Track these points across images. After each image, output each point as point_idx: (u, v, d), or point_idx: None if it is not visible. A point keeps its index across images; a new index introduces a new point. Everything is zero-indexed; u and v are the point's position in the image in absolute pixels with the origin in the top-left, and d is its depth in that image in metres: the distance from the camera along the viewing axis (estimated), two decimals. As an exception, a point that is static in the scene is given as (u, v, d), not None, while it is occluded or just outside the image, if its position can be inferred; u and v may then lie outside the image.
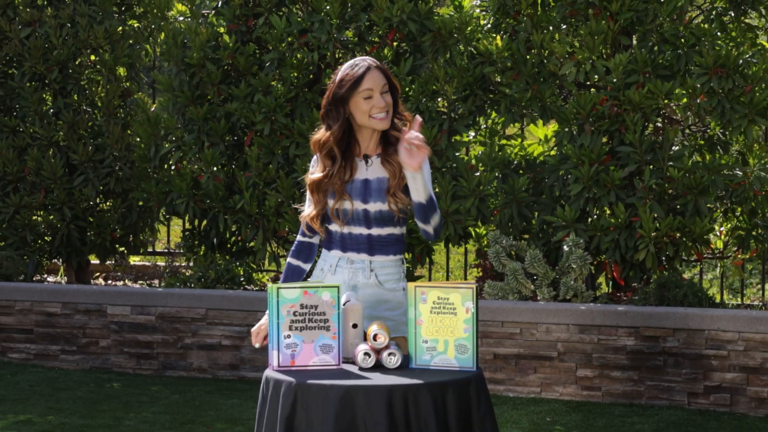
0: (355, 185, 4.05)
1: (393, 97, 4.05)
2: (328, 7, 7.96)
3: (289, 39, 8.05)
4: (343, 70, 4.05)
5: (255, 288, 8.18)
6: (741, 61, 7.31)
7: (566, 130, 7.55)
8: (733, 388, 6.64)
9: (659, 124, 7.78)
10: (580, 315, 6.89)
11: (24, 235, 8.69)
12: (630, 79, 7.34)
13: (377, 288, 4.09)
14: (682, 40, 7.44)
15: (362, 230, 4.07)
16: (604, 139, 7.62)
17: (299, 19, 8.05)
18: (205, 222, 8.43)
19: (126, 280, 9.13)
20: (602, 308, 6.88)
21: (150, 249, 9.81)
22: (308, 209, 4.11)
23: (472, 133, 8.15)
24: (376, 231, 4.07)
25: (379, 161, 4.06)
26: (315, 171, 4.09)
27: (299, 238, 4.18)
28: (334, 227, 4.11)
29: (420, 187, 3.95)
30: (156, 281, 9.00)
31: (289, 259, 4.18)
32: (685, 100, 7.47)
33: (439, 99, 7.92)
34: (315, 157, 4.14)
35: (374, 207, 4.04)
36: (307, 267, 4.18)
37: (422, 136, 3.91)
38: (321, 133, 4.07)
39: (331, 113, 4.05)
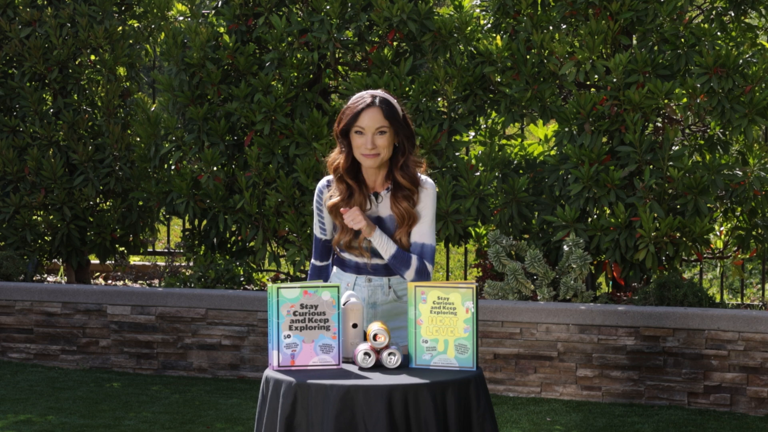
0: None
1: (401, 140, 4.04)
2: (328, 7, 7.96)
3: (289, 39, 8.05)
4: (353, 99, 4.07)
5: (255, 288, 8.18)
6: (741, 61, 7.31)
7: (566, 130, 7.55)
8: (733, 388, 6.64)
9: (659, 124, 7.78)
10: (580, 315, 6.89)
11: (24, 235, 8.69)
12: (630, 79, 7.34)
13: (396, 302, 4.14)
14: (682, 40, 7.44)
15: (380, 261, 4.13)
16: (604, 139, 7.62)
17: (299, 19, 8.05)
18: (205, 222, 8.43)
19: (126, 280, 9.13)
20: (602, 308, 6.88)
21: (150, 249, 9.80)
22: (323, 231, 4.15)
23: (472, 133, 8.15)
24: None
25: (389, 197, 4.08)
26: (330, 194, 4.13)
27: (315, 262, 4.21)
28: (348, 255, 4.13)
29: (378, 247, 4.04)
30: (156, 281, 9.00)
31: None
32: (685, 100, 7.47)
33: (439, 99, 7.92)
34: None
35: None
36: None
37: (353, 214, 3.99)
38: (334, 156, 4.11)
39: (339, 140, 4.08)
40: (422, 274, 4.06)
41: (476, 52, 7.82)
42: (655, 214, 7.28)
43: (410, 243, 4.07)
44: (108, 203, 9.01)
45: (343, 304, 3.92)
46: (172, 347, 7.62)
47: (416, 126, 7.82)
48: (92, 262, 9.42)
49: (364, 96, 4.03)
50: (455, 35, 7.91)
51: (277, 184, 7.94)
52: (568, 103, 7.70)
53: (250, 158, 7.96)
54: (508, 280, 7.28)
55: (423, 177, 4.09)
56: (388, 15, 7.82)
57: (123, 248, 9.09)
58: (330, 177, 4.14)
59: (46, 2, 8.97)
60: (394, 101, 4.05)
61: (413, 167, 4.06)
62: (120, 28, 8.87)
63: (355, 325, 3.92)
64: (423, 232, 4.07)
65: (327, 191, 4.12)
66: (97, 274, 9.54)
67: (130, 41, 8.93)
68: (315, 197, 4.17)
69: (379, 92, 4.05)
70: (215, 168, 8.12)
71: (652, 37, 7.56)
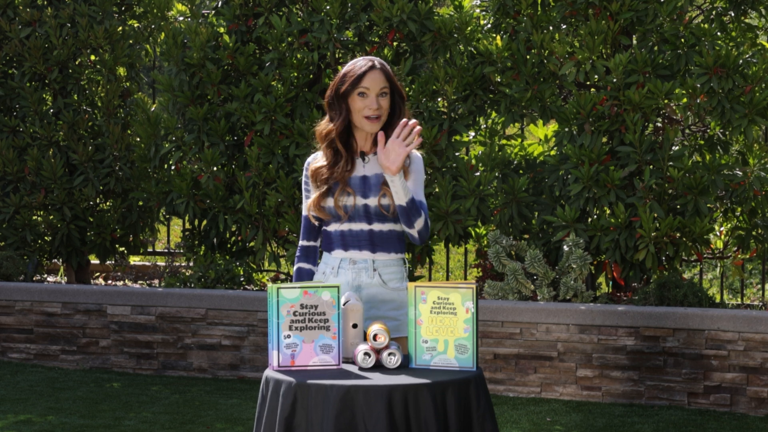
0: (353, 181, 4.10)
1: (395, 103, 4.09)
2: (328, 7, 7.96)
3: (289, 39, 8.05)
4: (349, 65, 4.10)
5: (255, 288, 8.18)
6: (741, 61, 7.31)
7: (566, 130, 7.55)
8: (733, 388, 6.64)
9: (659, 124, 7.78)
10: (580, 315, 6.89)
11: (24, 235, 8.69)
12: (630, 79, 7.34)
13: (381, 288, 4.11)
14: (682, 40, 7.44)
15: (363, 226, 4.10)
16: (604, 139, 7.62)
17: (299, 19, 8.05)
18: (205, 222, 8.43)
19: (126, 280, 9.13)
20: (602, 308, 6.88)
21: (150, 249, 9.81)
22: (309, 199, 4.14)
23: (472, 133, 8.15)
24: (377, 226, 4.09)
25: (376, 159, 4.10)
26: (319, 160, 4.14)
27: (302, 243, 4.21)
28: (333, 227, 4.13)
29: (399, 189, 4.00)
30: (156, 281, 9.00)
31: (298, 264, 4.21)
32: (685, 100, 7.47)
33: (439, 99, 7.92)
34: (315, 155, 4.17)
35: (374, 202, 4.08)
36: (316, 269, 4.21)
37: (419, 128, 3.96)
38: (324, 124, 4.13)
39: (333, 106, 4.11)
40: (427, 228, 4.08)
41: (476, 52, 7.82)
42: (655, 214, 7.28)
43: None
44: (108, 203, 9.01)
45: (343, 305, 3.92)
46: (172, 347, 7.62)
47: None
48: (92, 262, 9.42)
49: (363, 60, 4.08)
50: (455, 35, 7.91)
51: (277, 184, 7.94)
52: (568, 103, 7.70)
53: (250, 158, 7.96)
54: (508, 280, 7.28)
55: None
56: (388, 15, 7.82)
57: (123, 248, 9.09)
58: (318, 153, 4.15)
59: (46, 2, 8.97)
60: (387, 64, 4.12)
61: None
62: (120, 28, 8.87)
63: (355, 326, 3.92)
64: (416, 190, 4.09)
65: (315, 162, 4.14)
66: (97, 274, 9.54)
67: (130, 41, 8.93)
68: (303, 172, 4.18)
69: (375, 58, 4.11)
70: (215, 168, 8.12)
71: (652, 37, 7.56)
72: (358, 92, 4.03)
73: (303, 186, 4.18)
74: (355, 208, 4.09)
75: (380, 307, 4.10)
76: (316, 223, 4.18)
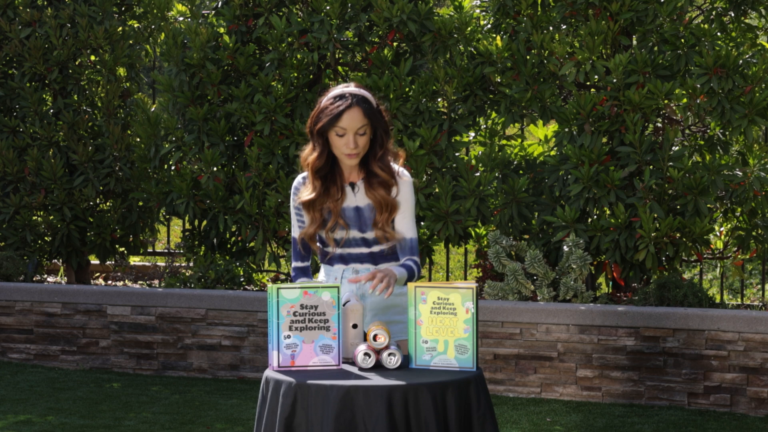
0: (347, 213, 4.10)
1: (377, 135, 4.04)
2: (328, 7, 7.96)
3: (289, 39, 8.05)
4: (328, 98, 4.05)
5: (255, 288, 8.18)
6: (741, 62, 7.31)
7: (566, 130, 7.55)
8: (733, 389, 6.64)
9: (659, 125, 7.78)
10: (580, 315, 6.89)
11: (24, 235, 8.69)
12: (630, 79, 7.34)
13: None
14: (682, 40, 7.44)
15: (362, 249, 4.13)
16: (604, 140, 7.62)
17: (299, 20, 8.05)
18: (205, 222, 8.43)
19: (126, 281, 9.13)
20: (602, 308, 6.88)
21: (150, 249, 9.80)
22: (302, 229, 4.13)
23: (472, 134, 8.15)
24: (377, 248, 4.13)
25: (364, 187, 4.09)
26: (305, 191, 4.11)
27: (296, 264, 4.19)
28: (330, 249, 4.13)
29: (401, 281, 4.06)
30: (156, 281, 9.00)
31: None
32: (685, 100, 7.47)
33: (439, 99, 7.92)
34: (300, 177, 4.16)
35: (372, 234, 4.11)
36: None
37: (379, 275, 3.93)
38: (308, 152, 4.09)
39: (314, 138, 4.06)
40: (420, 269, 4.12)
41: (476, 52, 7.82)
42: (655, 215, 7.28)
43: (398, 238, 4.08)
44: (108, 204, 9.01)
45: (343, 305, 3.92)
46: (172, 348, 7.62)
47: (416, 126, 7.83)
48: (92, 262, 9.42)
49: (343, 94, 4.01)
50: (455, 36, 7.91)
51: (277, 184, 7.94)
52: (568, 103, 7.70)
53: (250, 159, 7.96)
54: (508, 280, 7.28)
55: (400, 169, 4.10)
56: (388, 15, 7.82)
57: (123, 248, 9.09)
58: (305, 174, 4.13)
59: (46, 3, 8.97)
60: (370, 96, 4.04)
61: (389, 159, 4.07)
62: (120, 28, 8.87)
63: (355, 326, 3.92)
64: (408, 227, 4.09)
65: (304, 188, 4.12)
66: (97, 274, 9.54)
67: (130, 42, 8.93)
68: (291, 196, 4.16)
69: (354, 89, 4.04)
70: (215, 168, 8.12)
71: (652, 38, 7.56)
72: (335, 132, 4.00)
73: (294, 212, 4.16)
74: (352, 240, 4.11)
75: (386, 312, 4.11)
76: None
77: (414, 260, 4.08)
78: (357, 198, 4.09)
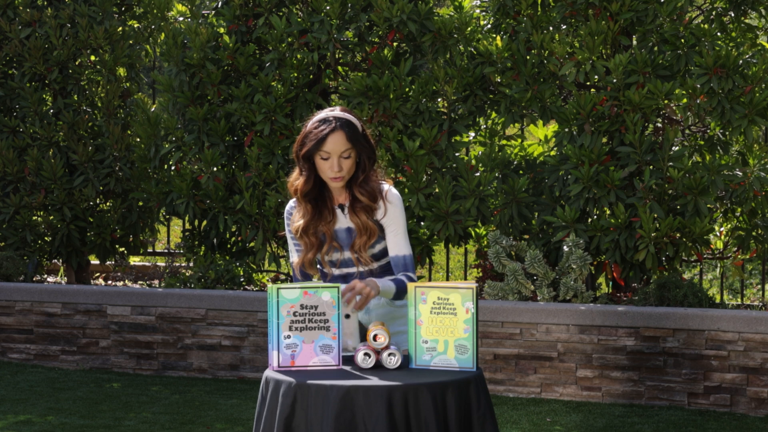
0: (340, 234, 4.12)
1: (361, 159, 4.06)
2: (328, 8, 7.96)
3: (289, 39, 8.05)
4: (312, 122, 4.05)
5: (255, 288, 8.18)
6: (741, 62, 7.31)
7: (566, 130, 7.55)
8: (733, 389, 6.63)
9: (659, 125, 7.78)
10: (580, 315, 6.89)
11: (24, 236, 8.69)
12: (630, 79, 7.34)
13: (388, 306, 4.14)
14: (682, 40, 7.44)
15: (360, 268, 4.13)
16: (604, 140, 7.62)
17: (299, 20, 8.05)
18: (205, 222, 8.43)
19: (126, 281, 9.13)
20: (602, 308, 6.88)
21: (150, 249, 9.80)
22: (299, 255, 4.15)
23: (472, 134, 8.15)
24: (375, 264, 4.13)
25: (348, 210, 4.11)
26: (297, 215, 4.13)
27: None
28: (327, 270, 4.15)
29: (384, 299, 4.08)
30: (156, 281, 9.00)
31: None
32: (685, 100, 7.47)
33: (439, 99, 7.92)
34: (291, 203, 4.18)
35: (366, 255, 4.11)
36: None
37: (359, 286, 3.94)
38: (295, 176, 4.12)
39: (300, 162, 4.09)
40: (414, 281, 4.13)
41: (476, 52, 7.82)
42: (655, 215, 7.28)
43: (391, 255, 4.09)
44: (108, 204, 9.01)
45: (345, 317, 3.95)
46: (172, 348, 7.62)
47: (416, 126, 7.83)
48: (92, 262, 9.42)
49: (327, 119, 4.02)
50: (455, 36, 7.91)
51: (277, 184, 7.94)
52: (568, 103, 7.70)
53: (250, 159, 7.96)
54: (508, 280, 7.28)
55: (387, 188, 4.10)
56: (388, 15, 7.82)
57: (123, 249, 9.09)
58: (294, 201, 4.15)
59: (46, 3, 8.97)
60: (354, 119, 4.05)
61: (373, 183, 4.08)
62: (120, 28, 8.87)
63: (347, 316, 3.92)
64: (401, 245, 4.10)
65: (296, 212, 4.14)
66: (97, 274, 9.54)
67: (130, 42, 8.93)
68: (285, 222, 4.18)
69: (339, 113, 4.04)
70: (215, 168, 8.12)
71: (652, 38, 7.56)
72: (320, 156, 4.01)
73: (289, 239, 4.17)
74: (348, 261, 4.12)
75: (391, 324, 4.12)
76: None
77: (408, 275, 4.07)
78: (348, 218, 4.11)
